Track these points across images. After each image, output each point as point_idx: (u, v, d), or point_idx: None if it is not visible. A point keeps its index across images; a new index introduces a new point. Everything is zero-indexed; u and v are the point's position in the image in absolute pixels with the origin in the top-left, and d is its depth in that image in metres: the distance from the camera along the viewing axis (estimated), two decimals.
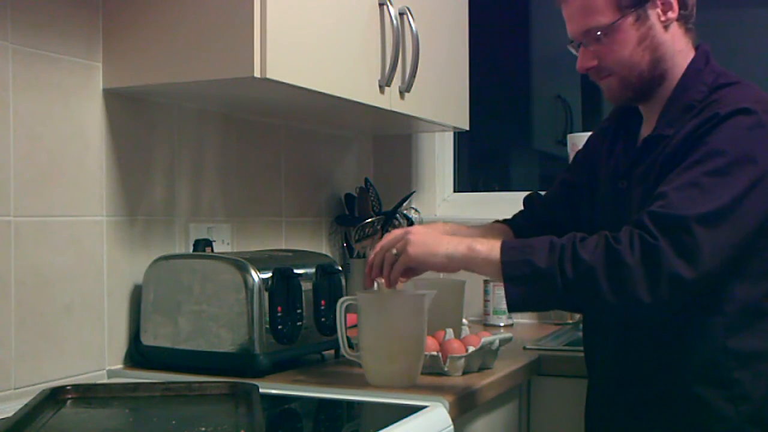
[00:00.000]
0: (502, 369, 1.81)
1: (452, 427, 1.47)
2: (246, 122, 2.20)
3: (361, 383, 1.63)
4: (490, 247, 1.44)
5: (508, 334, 1.88)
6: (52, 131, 1.65)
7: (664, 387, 1.51)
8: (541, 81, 3.53)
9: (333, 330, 1.78)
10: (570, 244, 1.38)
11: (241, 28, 1.60)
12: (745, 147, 1.41)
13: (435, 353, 1.71)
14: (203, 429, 1.27)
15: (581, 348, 1.74)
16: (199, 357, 1.73)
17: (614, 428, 1.61)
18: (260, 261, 1.76)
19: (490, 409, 1.79)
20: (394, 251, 1.51)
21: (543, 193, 1.86)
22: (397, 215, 2.53)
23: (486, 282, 2.57)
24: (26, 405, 1.35)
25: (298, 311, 1.79)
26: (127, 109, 1.83)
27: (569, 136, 2.60)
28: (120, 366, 1.81)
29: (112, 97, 1.78)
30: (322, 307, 1.85)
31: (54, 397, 1.43)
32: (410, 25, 2.08)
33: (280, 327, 1.74)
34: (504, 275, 1.41)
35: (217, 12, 1.63)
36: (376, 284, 1.60)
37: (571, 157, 2.56)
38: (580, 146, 2.53)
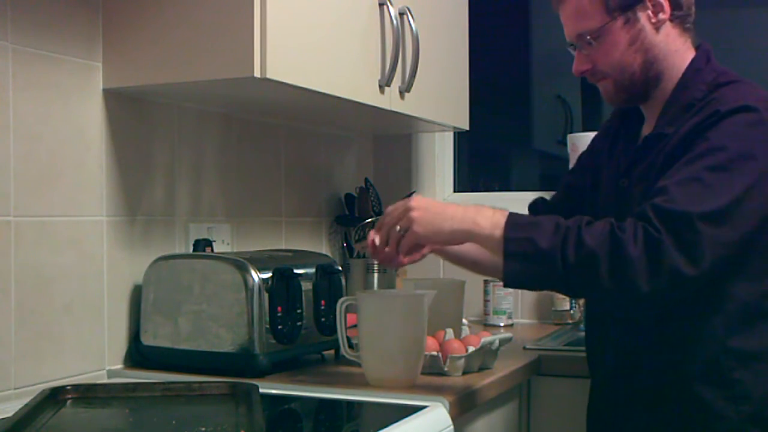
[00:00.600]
0: (502, 369, 1.81)
1: (452, 427, 1.47)
2: (246, 122, 2.20)
3: (361, 383, 1.63)
4: (494, 223, 1.42)
5: (508, 334, 1.88)
6: (52, 131, 1.65)
7: (665, 386, 1.51)
8: (541, 81, 3.53)
9: (333, 330, 1.78)
10: (575, 227, 1.38)
11: (241, 28, 1.60)
12: (745, 144, 1.41)
13: (435, 353, 1.71)
14: (203, 429, 1.27)
15: (581, 348, 1.74)
16: (199, 357, 1.73)
17: (615, 428, 1.61)
18: (260, 261, 1.76)
19: (490, 409, 1.79)
20: (398, 228, 1.48)
21: (548, 197, 1.86)
22: None
23: (486, 282, 2.57)
24: (26, 405, 1.35)
25: (298, 311, 1.79)
26: (127, 109, 1.83)
27: (569, 136, 2.61)
28: (120, 366, 1.81)
29: (112, 97, 1.78)
30: (322, 307, 1.85)
31: (54, 397, 1.43)
32: (410, 25, 2.08)
33: (280, 327, 1.74)
34: (504, 251, 1.39)
35: (217, 12, 1.63)
36: (376, 285, 1.60)
37: (571, 157, 2.58)
38: (580, 146, 2.54)
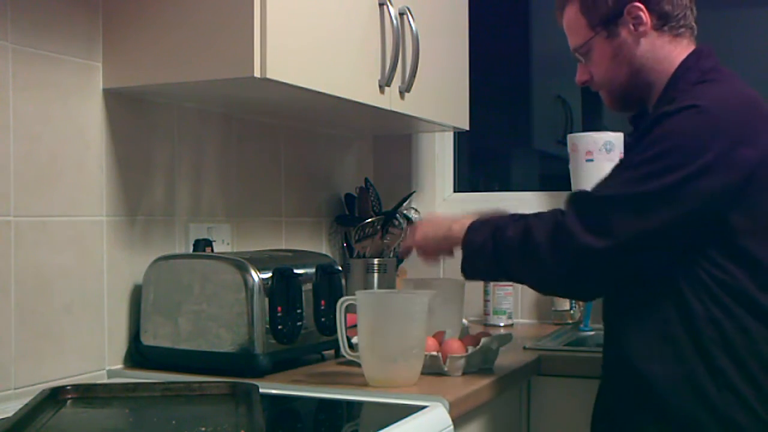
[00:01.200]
0: (502, 369, 1.81)
1: (452, 427, 1.47)
2: (246, 122, 2.20)
3: (361, 383, 1.63)
4: (462, 227, 1.63)
5: (508, 334, 1.88)
6: (52, 131, 1.65)
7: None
8: (541, 81, 3.53)
9: (333, 330, 1.78)
10: (508, 222, 1.57)
11: (241, 28, 1.60)
12: (681, 137, 1.45)
13: (435, 353, 1.71)
14: (203, 429, 1.26)
15: (581, 348, 1.75)
16: (199, 357, 1.73)
17: (615, 428, 1.61)
18: (260, 261, 1.76)
19: (490, 409, 1.79)
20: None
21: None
22: (397, 215, 2.53)
23: (486, 282, 2.57)
24: (26, 405, 1.35)
25: (298, 311, 1.79)
26: (127, 109, 1.83)
27: (569, 136, 2.60)
28: (120, 366, 1.81)
29: (112, 97, 1.78)
30: (322, 307, 1.85)
31: (54, 397, 1.43)
32: (410, 25, 2.07)
33: (280, 327, 1.74)
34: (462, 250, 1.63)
35: (217, 12, 1.63)
36: (376, 285, 1.67)
37: (571, 157, 2.58)
38: (580, 146, 2.55)
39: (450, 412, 1.49)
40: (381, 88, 2.00)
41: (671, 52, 1.59)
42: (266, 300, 1.71)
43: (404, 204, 2.59)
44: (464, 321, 1.99)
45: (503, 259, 1.56)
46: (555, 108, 3.35)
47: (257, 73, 1.60)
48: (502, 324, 2.56)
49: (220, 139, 2.11)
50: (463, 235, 1.61)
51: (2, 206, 1.55)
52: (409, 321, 1.62)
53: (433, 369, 1.71)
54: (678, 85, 1.56)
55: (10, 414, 1.32)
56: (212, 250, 1.92)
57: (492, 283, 2.56)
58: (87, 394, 1.48)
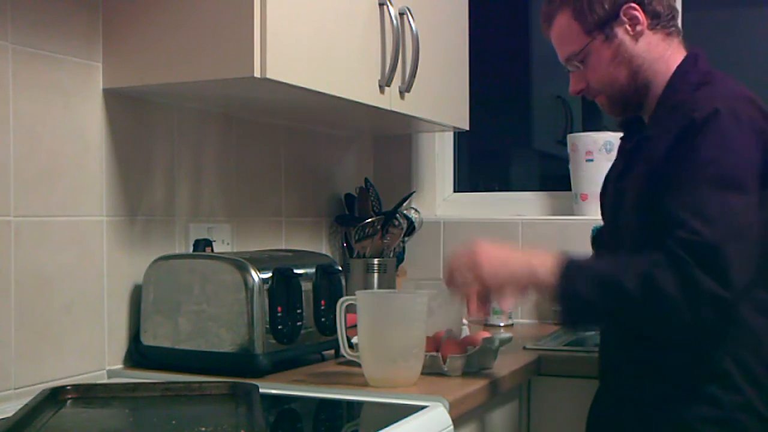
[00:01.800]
0: (502, 369, 1.81)
1: (452, 427, 1.47)
2: (246, 122, 2.20)
3: (361, 383, 1.63)
4: (548, 270, 1.50)
5: (508, 334, 1.87)
6: (52, 131, 1.65)
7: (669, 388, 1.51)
8: (541, 81, 3.54)
9: (333, 330, 1.78)
10: (615, 273, 1.44)
11: (241, 28, 1.60)
12: (734, 152, 1.43)
13: (435, 353, 1.71)
14: (203, 429, 1.27)
15: (581, 348, 1.75)
16: (199, 357, 1.73)
17: (616, 428, 1.60)
18: (260, 261, 1.76)
19: (490, 409, 1.79)
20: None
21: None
22: (397, 215, 2.53)
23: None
24: (26, 405, 1.35)
25: (298, 311, 1.79)
26: (127, 109, 1.83)
27: (569, 136, 2.61)
28: (120, 366, 1.81)
29: (112, 97, 1.78)
30: (322, 307, 1.85)
31: (54, 397, 1.43)
32: (410, 25, 2.08)
33: (280, 327, 1.74)
34: (557, 299, 1.52)
35: (217, 12, 1.63)
36: (376, 285, 1.62)
37: (571, 157, 2.58)
38: (580, 146, 2.56)
39: (450, 412, 1.49)
40: (381, 88, 2.00)
41: (665, 50, 1.60)
42: (266, 300, 1.71)
43: (404, 204, 2.59)
44: (464, 321, 1.99)
45: (624, 313, 1.46)
46: (555, 108, 3.36)
47: (257, 73, 1.60)
48: (502, 324, 2.56)
49: (220, 139, 2.11)
50: (558, 282, 1.49)
51: (2, 206, 1.55)
52: (409, 321, 1.62)
53: (432, 369, 1.71)
54: (678, 86, 1.56)
55: (10, 414, 1.32)
56: (212, 250, 1.92)
57: None
58: (87, 394, 1.48)
